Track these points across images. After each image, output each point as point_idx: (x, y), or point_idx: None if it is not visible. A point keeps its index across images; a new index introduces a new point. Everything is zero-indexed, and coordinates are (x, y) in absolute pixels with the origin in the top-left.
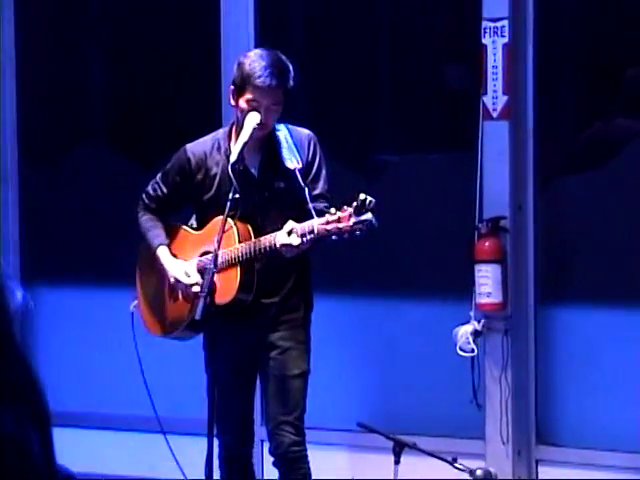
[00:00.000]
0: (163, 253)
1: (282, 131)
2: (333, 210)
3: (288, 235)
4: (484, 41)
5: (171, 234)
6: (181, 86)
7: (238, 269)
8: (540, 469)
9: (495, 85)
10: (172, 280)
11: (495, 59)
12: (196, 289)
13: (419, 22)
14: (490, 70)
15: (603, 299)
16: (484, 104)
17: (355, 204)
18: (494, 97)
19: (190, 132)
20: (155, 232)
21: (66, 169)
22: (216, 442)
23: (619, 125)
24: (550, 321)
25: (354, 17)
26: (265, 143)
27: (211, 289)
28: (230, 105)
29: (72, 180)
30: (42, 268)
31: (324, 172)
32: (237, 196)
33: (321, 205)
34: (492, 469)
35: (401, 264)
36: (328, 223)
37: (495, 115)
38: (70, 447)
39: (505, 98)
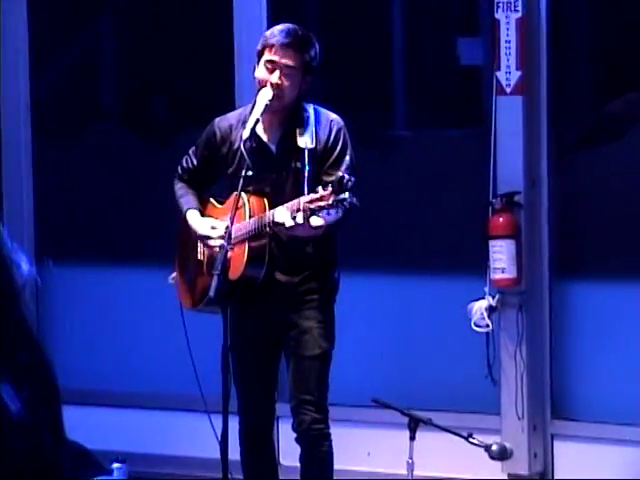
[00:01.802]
0: (192, 215)
1: (309, 112)
2: (319, 189)
3: (282, 213)
4: (497, 16)
5: (201, 206)
6: (194, 65)
7: (246, 245)
8: (555, 444)
9: (508, 60)
10: (199, 236)
11: (508, 34)
12: (217, 243)
13: None
14: (503, 45)
15: (617, 274)
16: (498, 79)
17: (335, 183)
18: (507, 72)
19: (203, 111)
20: (186, 198)
21: (79, 148)
22: (237, 420)
23: (634, 100)
24: (564, 296)
25: None
26: (287, 120)
27: (225, 266)
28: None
29: (85, 159)
30: (55, 246)
31: (348, 158)
32: (250, 173)
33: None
34: (507, 444)
35: (415, 240)
36: (312, 202)
37: (509, 90)
38: (95, 424)
39: (519, 73)
